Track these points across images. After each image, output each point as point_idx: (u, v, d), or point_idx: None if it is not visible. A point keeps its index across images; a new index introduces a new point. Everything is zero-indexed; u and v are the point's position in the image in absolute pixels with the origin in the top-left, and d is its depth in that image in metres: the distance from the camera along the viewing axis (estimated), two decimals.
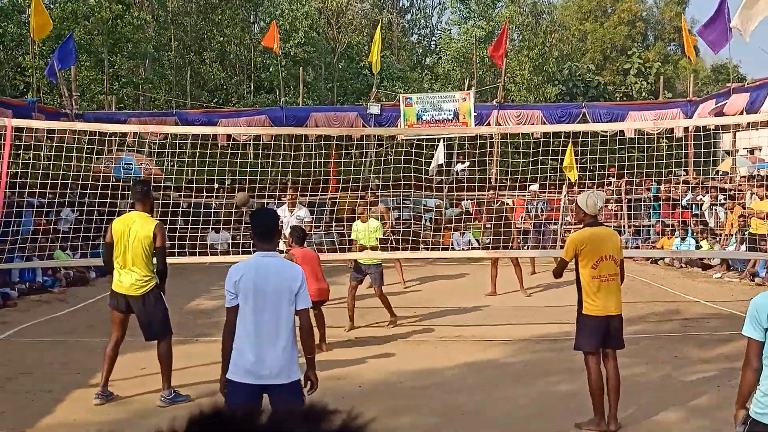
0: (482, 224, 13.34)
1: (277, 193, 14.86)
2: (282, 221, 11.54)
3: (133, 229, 6.42)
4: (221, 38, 33.25)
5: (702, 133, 15.47)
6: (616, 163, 15.39)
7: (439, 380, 7.26)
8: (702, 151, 16.32)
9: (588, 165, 14.96)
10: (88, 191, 12.04)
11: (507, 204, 13.23)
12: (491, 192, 13.65)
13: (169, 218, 13.75)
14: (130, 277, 6.50)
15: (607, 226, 6.86)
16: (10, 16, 27.83)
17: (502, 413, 6.26)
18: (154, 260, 6.58)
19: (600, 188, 19.37)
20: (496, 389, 6.97)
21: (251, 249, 11.33)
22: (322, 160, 16.41)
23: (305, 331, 4.44)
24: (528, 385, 7.04)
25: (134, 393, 6.89)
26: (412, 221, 16.51)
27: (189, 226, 12.92)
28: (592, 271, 5.70)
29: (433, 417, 6.21)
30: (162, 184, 17.05)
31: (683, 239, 16.08)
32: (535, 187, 15.27)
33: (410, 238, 12.31)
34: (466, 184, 17.22)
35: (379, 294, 9.90)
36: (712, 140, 18.54)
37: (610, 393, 5.74)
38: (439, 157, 19.45)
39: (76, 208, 13.04)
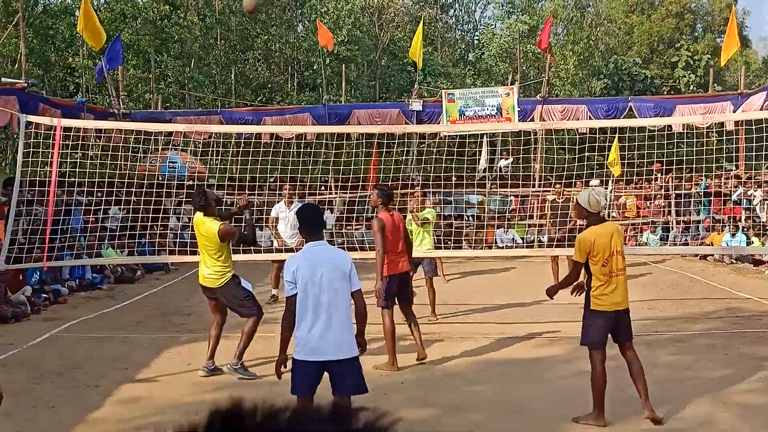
0: (545, 221, 13.21)
1: (317, 192, 14.95)
2: (279, 216, 11.68)
3: (202, 229, 7.18)
4: (266, 37, 33.55)
5: (754, 127, 15.03)
6: (665, 159, 15.06)
7: (480, 376, 7.20)
8: (754, 144, 15.86)
9: (635, 161, 14.67)
10: (134, 189, 12.24)
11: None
12: (557, 186, 13.41)
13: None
14: (206, 270, 7.21)
15: (652, 224, 6.73)
16: (60, 16, 28.50)
17: (542, 408, 6.18)
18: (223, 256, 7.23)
19: (647, 183, 19.10)
20: (536, 384, 6.88)
21: (272, 247, 11.48)
22: (363, 158, 16.42)
23: (360, 309, 4.87)
24: (558, 381, 6.93)
25: (178, 388, 6.97)
26: (453, 219, 16.43)
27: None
28: (603, 268, 5.68)
29: (478, 414, 6.16)
30: (206, 183, 17.32)
31: (734, 235, 15.69)
32: (595, 182, 14.93)
33: (452, 237, 12.25)
34: (509, 181, 17.07)
35: (429, 285, 9.98)
36: (764, 133, 18.01)
37: (637, 381, 5.73)
38: (483, 159, 19.37)
39: (123, 207, 13.28)
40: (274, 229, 11.80)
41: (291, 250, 11.29)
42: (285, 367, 4.92)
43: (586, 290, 5.86)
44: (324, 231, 5.03)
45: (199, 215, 7.28)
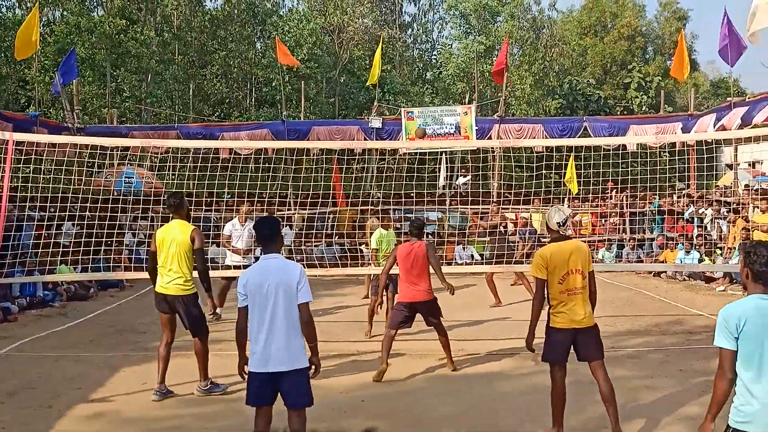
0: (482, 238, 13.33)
1: (276, 207, 14.83)
2: (234, 234, 11.67)
3: (175, 235, 7.06)
4: (224, 53, 33.38)
5: (704, 147, 15.46)
6: (619, 177, 15.37)
7: (441, 393, 7.19)
8: (705, 165, 16.29)
9: (591, 179, 14.93)
10: (89, 205, 12.00)
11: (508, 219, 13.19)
12: (494, 206, 13.59)
13: None
14: (171, 278, 7.05)
15: (607, 241, 6.84)
16: (15, 28, 27.93)
17: (509, 423, 6.20)
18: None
19: (602, 201, 19.44)
20: (501, 401, 6.90)
21: (227, 263, 11.35)
22: (323, 175, 16.39)
23: (304, 322, 4.82)
24: (528, 394, 6.96)
25: (134, 407, 6.81)
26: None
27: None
28: (559, 285, 5.70)
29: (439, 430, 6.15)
30: (162, 198, 17.07)
31: (688, 252, 16.03)
32: (525, 214, 15.25)
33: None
34: (469, 198, 17.18)
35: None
36: (714, 154, 18.53)
37: (607, 404, 5.72)
38: (442, 176, 19.50)
39: (77, 222, 12.99)
40: (228, 245, 11.77)
41: (238, 266, 11.23)
42: (246, 370, 4.94)
43: (547, 306, 5.89)
44: (281, 245, 5.05)
45: (169, 224, 7.20)
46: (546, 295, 5.84)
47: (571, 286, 5.71)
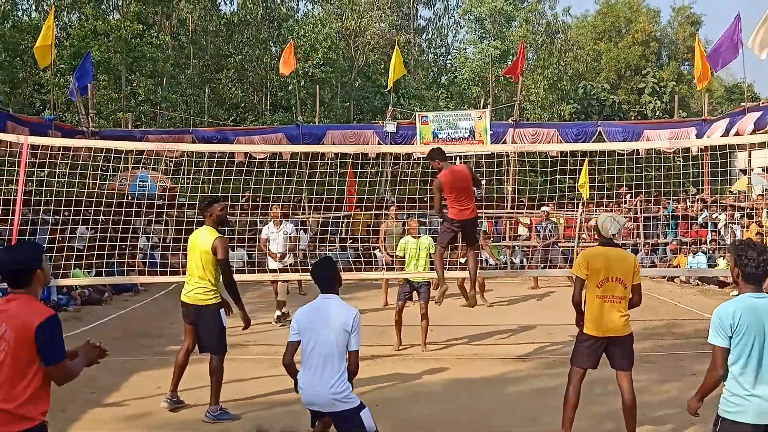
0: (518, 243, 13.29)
1: (290, 211, 14.84)
2: (269, 237, 11.67)
3: (198, 242, 6.84)
4: (240, 57, 33.48)
5: (718, 152, 15.32)
6: (634, 182, 15.29)
7: (455, 399, 7.15)
8: (719, 169, 16.14)
9: (605, 183, 14.85)
10: (103, 209, 12.03)
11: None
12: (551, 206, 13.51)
13: (183, 236, 13.77)
14: (192, 287, 6.80)
15: (622, 245, 6.79)
16: (33, 33, 28.17)
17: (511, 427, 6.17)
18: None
19: (617, 207, 19.33)
20: (514, 407, 6.85)
21: (266, 268, 11.39)
22: (337, 179, 16.40)
23: (351, 373, 4.84)
24: (542, 400, 6.91)
25: (148, 412, 6.81)
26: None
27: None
28: (596, 290, 5.66)
29: None
30: (177, 202, 17.11)
31: (694, 255, 15.97)
32: (546, 208, 15.17)
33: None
34: (484, 203, 17.12)
35: (424, 312, 9.68)
36: (728, 159, 18.37)
37: (626, 415, 5.71)
38: None
39: (91, 226, 13.04)
40: (266, 249, 11.80)
41: (285, 269, 11.24)
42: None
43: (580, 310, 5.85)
44: (339, 285, 5.04)
45: (197, 229, 7.00)
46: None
47: (608, 293, 5.65)
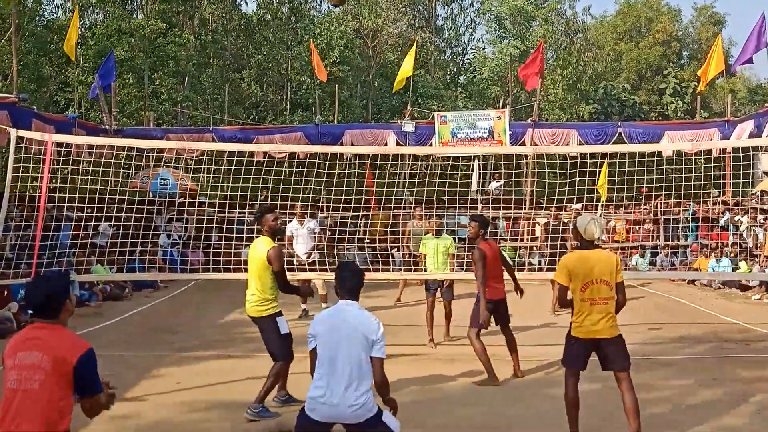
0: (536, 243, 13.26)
1: (309, 210, 14.92)
2: (294, 234, 11.81)
3: (253, 252, 6.77)
4: (260, 56, 33.66)
5: (741, 154, 15.21)
6: (654, 184, 15.20)
7: (469, 399, 7.17)
8: (741, 172, 16.01)
9: (625, 186, 14.79)
10: (125, 206, 12.19)
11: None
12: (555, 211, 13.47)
13: (203, 234, 13.93)
14: (249, 299, 6.76)
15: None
16: (61, 32, 28.55)
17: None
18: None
19: (636, 207, 19.24)
20: (536, 411, 6.86)
21: (307, 268, 11.47)
22: (355, 179, 16.46)
23: (377, 378, 4.57)
24: (545, 400, 6.92)
25: (168, 407, 6.90)
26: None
27: (223, 242, 13.00)
28: (581, 294, 5.66)
29: None
30: (197, 200, 17.28)
31: (718, 260, 15.82)
32: (576, 206, 15.05)
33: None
34: (502, 204, 17.14)
35: (448, 310, 9.94)
36: (751, 161, 18.22)
37: (629, 416, 5.65)
38: (474, 180, 19.49)
39: (113, 223, 13.21)
40: (290, 247, 11.94)
41: (303, 267, 11.36)
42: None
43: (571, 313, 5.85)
44: (357, 290, 4.80)
45: (255, 239, 6.96)
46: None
47: (594, 296, 5.65)
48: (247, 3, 40.60)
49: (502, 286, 8.11)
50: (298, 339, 6.68)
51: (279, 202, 12.11)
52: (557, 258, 11.38)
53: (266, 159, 15.30)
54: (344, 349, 4.48)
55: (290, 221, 12.15)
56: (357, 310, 4.66)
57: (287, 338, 6.73)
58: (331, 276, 7.37)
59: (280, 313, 6.73)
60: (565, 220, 13.10)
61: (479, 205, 18.29)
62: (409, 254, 12.59)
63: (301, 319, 11.27)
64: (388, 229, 14.16)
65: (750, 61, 18.96)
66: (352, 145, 20.17)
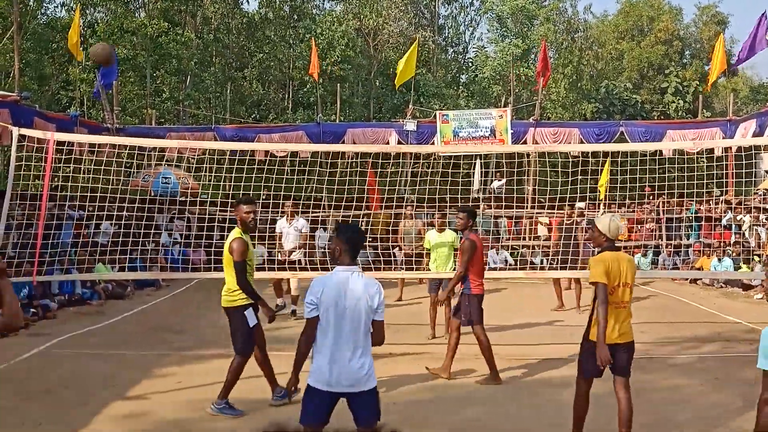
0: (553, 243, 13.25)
1: (310, 210, 14.92)
2: (283, 232, 11.82)
3: (226, 242, 6.77)
4: (262, 55, 33.65)
5: (743, 153, 15.18)
6: (656, 183, 15.16)
7: (471, 398, 7.17)
8: (743, 171, 15.98)
9: (627, 185, 14.76)
10: (126, 205, 12.18)
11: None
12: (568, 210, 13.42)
13: (205, 232, 13.91)
14: (223, 289, 6.76)
15: (635, 246, 6.71)
16: (63, 31, 28.52)
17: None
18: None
19: (638, 207, 19.20)
20: (545, 411, 6.85)
21: (286, 265, 11.48)
22: (357, 178, 16.45)
23: (377, 340, 4.58)
24: (546, 400, 6.91)
25: (170, 407, 6.89)
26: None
27: (225, 240, 12.96)
28: (609, 296, 5.43)
29: None
30: (199, 199, 17.26)
31: (720, 260, 15.80)
32: (580, 204, 15.01)
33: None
34: (503, 203, 17.11)
35: (449, 309, 9.93)
36: (753, 160, 18.20)
37: (621, 425, 5.46)
38: (476, 179, 19.46)
39: (114, 222, 13.20)
40: (279, 245, 11.99)
41: (293, 265, 11.34)
42: (296, 389, 4.67)
43: (589, 317, 5.70)
44: (360, 250, 4.71)
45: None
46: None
47: (619, 300, 5.49)
48: (248, 2, 40.66)
49: (482, 282, 8.02)
50: (285, 339, 6.65)
51: (281, 201, 12.12)
52: (569, 258, 11.47)
53: (268, 158, 15.29)
54: (349, 315, 4.45)
55: (279, 218, 12.18)
56: (358, 275, 4.58)
57: (252, 333, 6.67)
58: (309, 275, 7.15)
59: (249, 306, 6.66)
60: (578, 219, 13.03)
61: (481, 204, 18.27)
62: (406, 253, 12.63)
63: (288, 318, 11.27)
64: (390, 228, 14.13)
65: (751, 54, 18.87)
66: (354, 143, 20.15)
